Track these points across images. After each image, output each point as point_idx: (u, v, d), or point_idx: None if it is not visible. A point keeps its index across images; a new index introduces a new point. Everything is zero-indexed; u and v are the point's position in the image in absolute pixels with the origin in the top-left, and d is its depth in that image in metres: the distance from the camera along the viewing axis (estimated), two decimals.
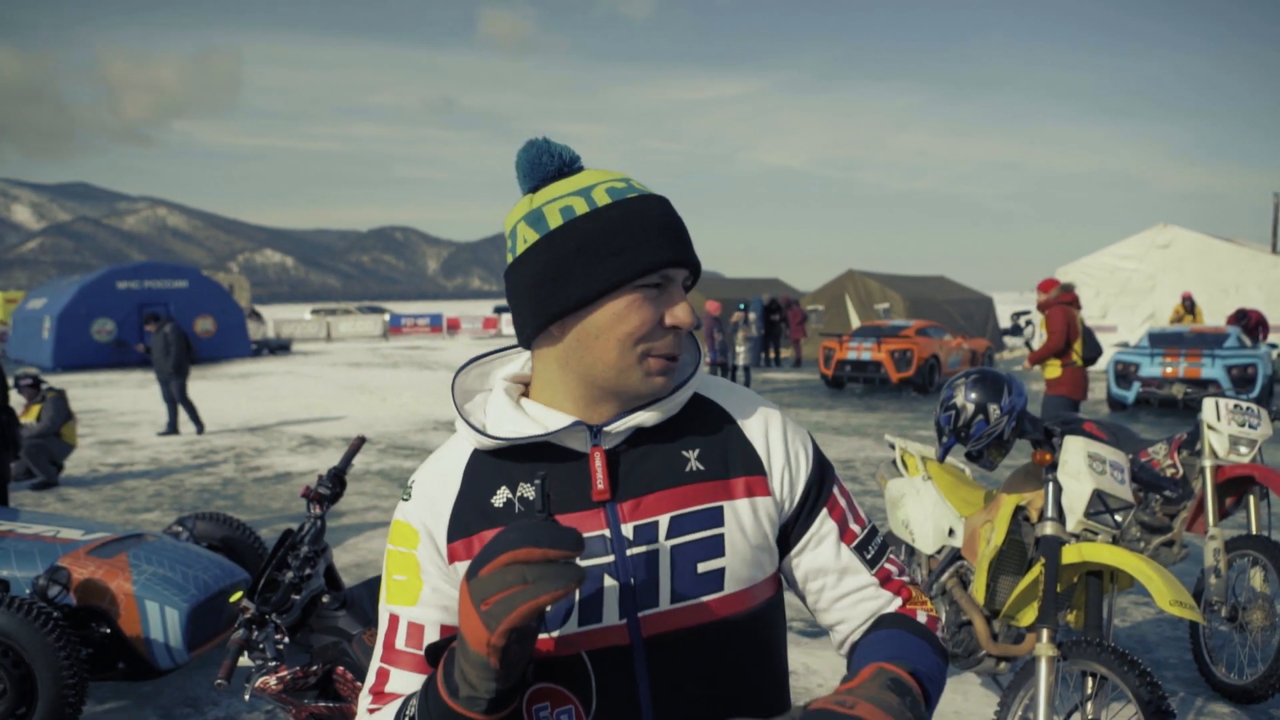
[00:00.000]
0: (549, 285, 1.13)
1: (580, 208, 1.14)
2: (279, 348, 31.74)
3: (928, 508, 4.04)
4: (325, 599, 2.74)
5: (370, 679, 1.17)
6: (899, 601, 1.26)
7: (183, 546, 4.65)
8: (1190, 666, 4.61)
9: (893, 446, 4.54)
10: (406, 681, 1.15)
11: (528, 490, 1.16)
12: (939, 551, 3.99)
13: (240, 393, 18.58)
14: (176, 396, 13.05)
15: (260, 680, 2.64)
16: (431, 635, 1.15)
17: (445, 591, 1.16)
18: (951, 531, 3.92)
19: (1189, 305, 17.18)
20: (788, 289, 30.38)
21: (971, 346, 19.63)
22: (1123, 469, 3.22)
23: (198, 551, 4.65)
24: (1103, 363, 17.47)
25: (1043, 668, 3.02)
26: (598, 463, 1.15)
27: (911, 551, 4.28)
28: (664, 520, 1.14)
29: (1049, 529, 3.23)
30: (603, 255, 1.12)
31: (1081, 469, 3.19)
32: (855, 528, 1.27)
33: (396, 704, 1.12)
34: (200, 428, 13.25)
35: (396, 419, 14.41)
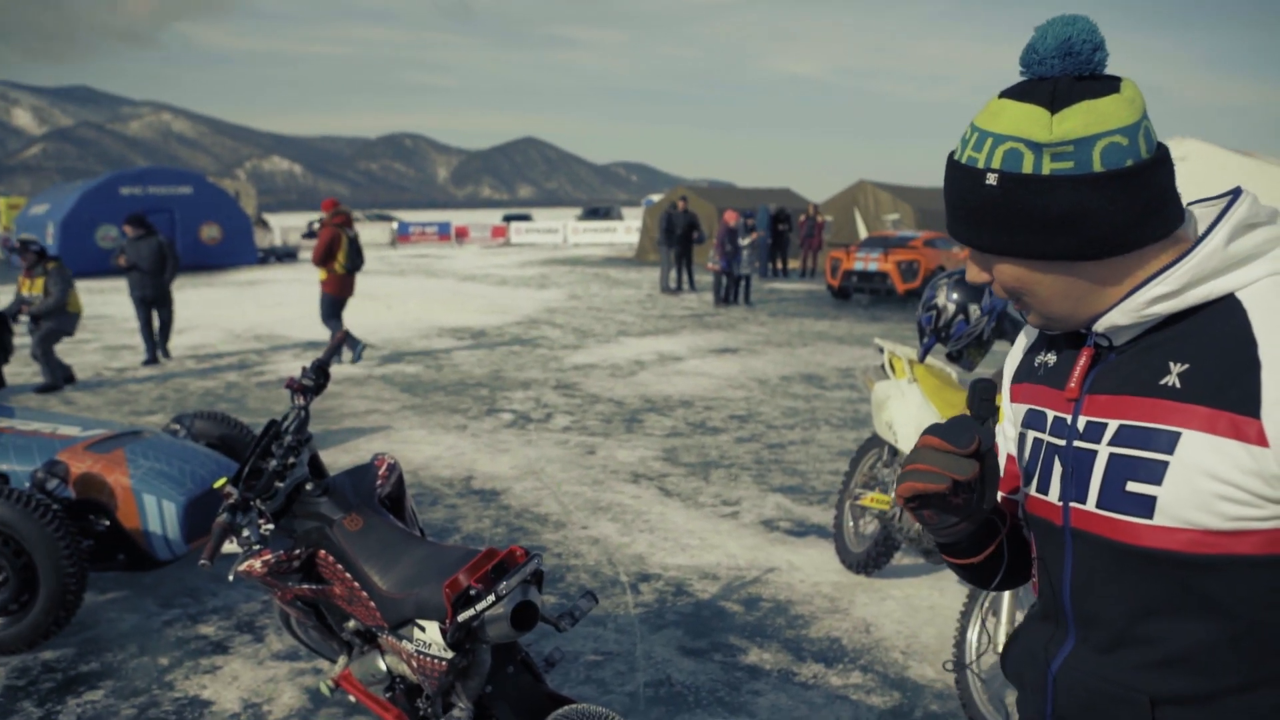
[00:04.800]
0: None
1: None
2: (286, 255, 31.68)
3: (911, 409, 4.07)
4: (309, 486, 2.81)
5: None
6: None
7: (179, 443, 4.73)
8: None
9: (881, 350, 4.56)
10: None
11: (1050, 358, 1.27)
12: None
13: (246, 300, 18.65)
14: (163, 317, 11.21)
15: (245, 564, 2.73)
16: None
17: (1004, 426, 1.38)
18: None
19: None
20: (798, 199, 30.07)
21: None
22: None
23: (194, 448, 4.73)
24: None
25: None
26: (1081, 360, 1.20)
27: (895, 453, 4.34)
28: (1112, 425, 1.13)
29: None
30: None
31: None
32: None
33: None
34: (167, 353, 11.49)
35: (401, 325, 14.47)
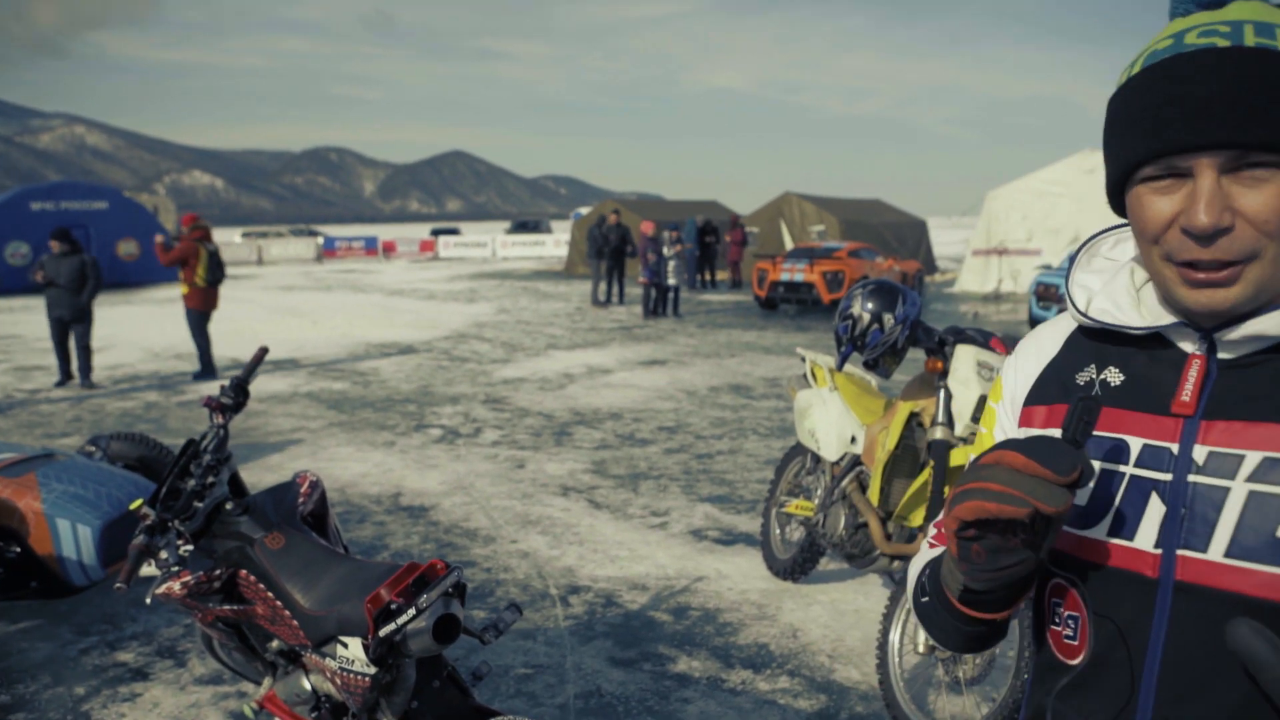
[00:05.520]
0: (1105, 156, 1.02)
1: (1133, 69, 0.98)
2: None
3: (832, 417, 4.17)
4: (228, 506, 2.77)
5: (942, 514, 1.04)
6: None
7: (94, 465, 4.61)
8: None
9: (804, 359, 4.65)
10: None
11: (1112, 375, 1.05)
12: (842, 459, 4.14)
13: (165, 317, 18.19)
14: (79, 340, 10.62)
15: (164, 586, 2.68)
16: None
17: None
18: (854, 439, 4.06)
19: None
20: (725, 211, 30.38)
21: (903, 268, 19.90)
22: None
23: (110, 470, 4.61)
24: (1025, 284, 17.88)
25: None
26: (1193, 372, 0.98)
27: (817, 459, 4.43)
28: (1253, 457, 0.93)
29: (938, 433, 3.37)
30: (1113, 140, 0.99)
31: (970, 376, 3.32)
32: None
33: (932, 554, 1.16)
34: (89, 380, 10.74)
35: (327, 342, 14.27)
